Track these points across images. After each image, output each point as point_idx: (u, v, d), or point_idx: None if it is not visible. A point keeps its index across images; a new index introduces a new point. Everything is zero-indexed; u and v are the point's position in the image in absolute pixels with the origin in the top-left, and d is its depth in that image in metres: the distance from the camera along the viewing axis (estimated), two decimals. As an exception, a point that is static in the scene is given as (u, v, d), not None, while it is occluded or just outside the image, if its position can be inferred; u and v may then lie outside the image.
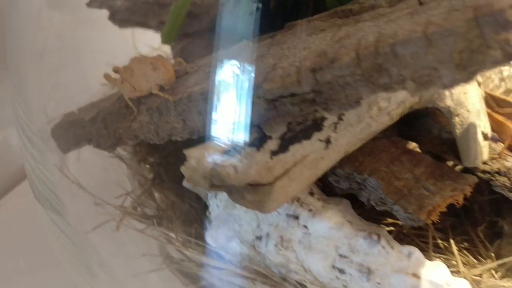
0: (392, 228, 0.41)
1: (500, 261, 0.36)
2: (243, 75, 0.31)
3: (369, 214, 0.38)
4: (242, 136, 0.30)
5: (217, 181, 0.28)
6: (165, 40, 0.49)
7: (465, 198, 0.41)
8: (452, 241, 0.38)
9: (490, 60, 0.23)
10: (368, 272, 0.34)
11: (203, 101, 0.32)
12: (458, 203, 0.34)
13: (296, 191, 0.32)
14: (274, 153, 0.30)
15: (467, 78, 0.24)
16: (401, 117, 0.39)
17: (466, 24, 0.23)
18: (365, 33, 0.27)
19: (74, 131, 0.43)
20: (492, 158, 0.37)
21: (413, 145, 0.39)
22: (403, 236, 0.40)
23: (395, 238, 0.39)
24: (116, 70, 0.38)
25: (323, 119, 0.32)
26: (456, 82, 0.24)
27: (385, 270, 0.34)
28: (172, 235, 0.40)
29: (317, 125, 0.32)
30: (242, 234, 0.37)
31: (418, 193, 0.34)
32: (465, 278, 0.36)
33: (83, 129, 0.42)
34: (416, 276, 0.33)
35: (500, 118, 0.39)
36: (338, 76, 0.27)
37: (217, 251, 0.38)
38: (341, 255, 0.35)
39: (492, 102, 0.40)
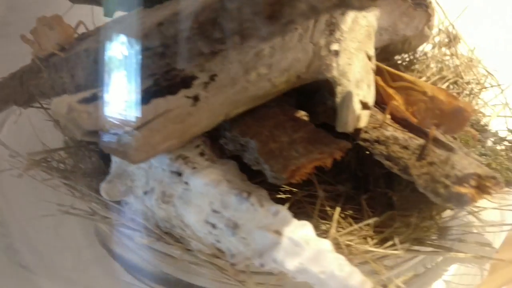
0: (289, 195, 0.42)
1: (360, 224, 0.37)
2: (121, 39, 0.33)
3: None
4: (109, 88, 0.33)
5: (73, 125, 0.31)
6: (106, 13, 0.51)
7: (362, 170, 0.43)
8: (338, 209, 0.39)
9: (298, 13, 0.25)
10: (234, 227, 0.36)
11: (86, 58, 0.35)
12: (326, 166, 0.36)
13: (165, 144, 0.34)
14: (143, 101, 0.32)
15: (281, 30, 0.26)
16: (300, 88, 0.41)
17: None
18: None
19: (3, 91, 0.46)
20: (373, 127, 0.38)
21: (301, 113, 0.40)
22: (297, 203, 0.42)
23: (291, 205, 0.41)
24: (31, 32, 0.41)
25: (193, 78, 0.34)
26: (272, 35, 0.26)
27: (250, 226, 0.35)
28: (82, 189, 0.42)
29: (186, 83, 0.34)
30: (134, 189, 0.40)
31: (288, 154, 0.36)
32: (338, 242, 0.37)
33: (8, 88, 0.45)
34: (278, 233, 0.35)
35: (390, 91, 0.40)
36: (179, 30, 0.29)
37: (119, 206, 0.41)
38: (214, 210, 0.36)
39: (388, 77, 0.41)
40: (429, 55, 0.60)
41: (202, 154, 0.39)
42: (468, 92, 0.54)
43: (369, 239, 0.38)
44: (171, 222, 0.39)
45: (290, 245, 0.34)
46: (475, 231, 0.42)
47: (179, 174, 0.38)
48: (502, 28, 0.63)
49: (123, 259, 0.45)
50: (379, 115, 0.39)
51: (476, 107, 0.53)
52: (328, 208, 0.40)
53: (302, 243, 0.34)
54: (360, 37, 0.39)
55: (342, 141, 0.36)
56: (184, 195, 0.37)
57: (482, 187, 0.34)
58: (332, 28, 0.39)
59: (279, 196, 0.42)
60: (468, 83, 0.55)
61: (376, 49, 0.47)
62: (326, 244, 0.34)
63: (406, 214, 0.39)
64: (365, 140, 0.38)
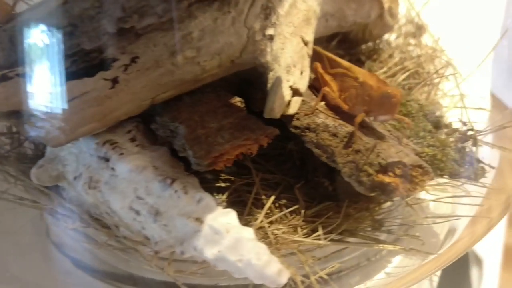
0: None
1: (285, 211, 0.36)
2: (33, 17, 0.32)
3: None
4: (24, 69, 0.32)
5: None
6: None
7: (302, 159, 0.42)
8: (271, 198, 0.38)
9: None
10: (156, 213, 0.35)
11: (5, 38, 0.34)
12: (251, 153, 0.35)
13: (85, 127, 0.34)
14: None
15: (178, 8, 0.25)
16: (243, 74, 0.40)
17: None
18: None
19: None
20: (305, 114, 0.37)
21: (236, 100, 0.39)
22: (234, 192, 0.41)
23: (232, 194, 0.40)
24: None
25: (114, 60, 0.33)
26: (168, 12, 0.25)
27: (172, 213, 0.35)
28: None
29: (105, 65, 0.33)
30: (66, 175, 0.39)
31: (213, 140, 0.35)
32: (266, 231, 0.36)
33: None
34: (199, 220, 0.34)
35: (327, 77, 0.39)
36: (83, 8, 0.28)
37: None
38: (138, 197, 0.36)
39: (327, 63, 0.40)
40: (393, 45, 0.59)
41: (133, 139, 0.38)
42: (428, 82, 0.53)
43: (299, 229, 0.37)
44: (99, 208, 0.38)
45: (210, 233, 0.33)
46: (422, 223, 0.41)
47: (107, 159, 0.37)
48: (470, 19, 0.62)
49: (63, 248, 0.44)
50: (313, 102, 0.38)
51: (435, 98, 0.52)
52: (263, 197, 0.39)
53: (222, 231, 0.33)
54: (297, 21, 0.38)
55: (270, 128, 0.35)
56: (110, 181, 0.37)
57: (409, 177, 0.33)
58: (268, 12, 0.38)
59: (218, 184, 0.41)
60: (428, 73, 0.54)
61: (325, 36, 0.46)
62: (247, 233, 0.34)
63: (343, 205, 0.38)
64: (296, 127, 0.37)
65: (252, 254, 0.32)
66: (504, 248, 0.79)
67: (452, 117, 0.50)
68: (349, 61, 0.56)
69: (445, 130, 0.46)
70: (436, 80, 0.53)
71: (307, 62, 0.38)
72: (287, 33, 0.38)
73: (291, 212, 0.38)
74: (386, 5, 0.57)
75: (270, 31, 0.38)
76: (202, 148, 0.34)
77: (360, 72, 0.36)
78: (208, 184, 0.41)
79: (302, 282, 0.33)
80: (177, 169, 0.37)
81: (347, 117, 0.37)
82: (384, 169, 0.32)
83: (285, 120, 0.37)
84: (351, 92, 0.36)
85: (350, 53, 0.57)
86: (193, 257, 0.35)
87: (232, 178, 0.41)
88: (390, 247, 0.35)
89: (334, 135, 0.35)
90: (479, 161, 0.43)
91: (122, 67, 0.33)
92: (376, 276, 0.42)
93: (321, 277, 0.34)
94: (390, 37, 0.60)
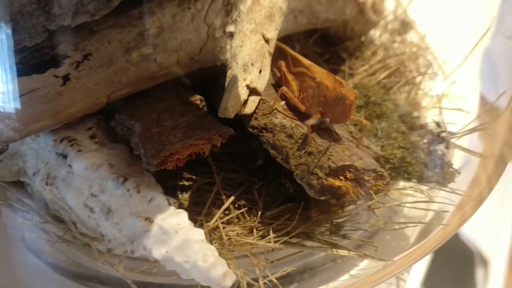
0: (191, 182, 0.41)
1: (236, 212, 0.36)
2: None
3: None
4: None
5: None
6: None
7: (265, 159, 0.41)
8: (231, 198, 0.38)
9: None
10: (108, 211, 0.35)
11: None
12: (203, 152, 0.34)
13: (37, 124, 0.33)
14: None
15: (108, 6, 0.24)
16: (208, 71, 0.40)
17: None
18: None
19: None
20: (263, 114, 0.36)
21: (196, 98, 0.39)
22: (196, 191, 0.40)
23: (193, 193, 0.40)
24: None
25: (65, 56, 0.33)
26: (99, 11, 0.25)
27: (124, 211, 0.34)
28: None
29: (56, 62, 0.33)
30: (26, 170, 0.39)
31: (165, 139, 0.34)
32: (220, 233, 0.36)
33: None
34: (149, 220, 0.33)
35: (289, 76, 0.38)
36: (22, 4, 0.28)
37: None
38: (92, 194, 0.35)
39: (291, 61, 0.39)
40: (378, 42, 0.58)
41: (92, 136, 0.38)
42: (409, 82, 0.52)
43: (255, 231, 0.36)
44: (58, 204, 0.38)
45: (159, 233, 0.33)
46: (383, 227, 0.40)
47: (65, 156, 0.37)
48: (462, 15, 0.60)
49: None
50: (272, 102, 0.37)
51: (415, 98, 0.51)
52: (223, 197, 0.39)
53: (171, 232, 0.33)
54: (259, 18, 0.38)
55: (225, 128, 0.35)
56: (67, 177, 0.37)
57: (361, 181, 0.32)
58: (229, 8, 0.37)
59: (182, 183, 0.41)
60: (410, 71, 0.53)
61: (302, 32, 0.45)
62: (197, 234, 0.33)
63: (304, 207, 0.38)
64: (253, 127, 0.36)
65: (199, 256, 0.32)
66: (510, 249, 0.77)
67: (431, 117, 0.49)
68: (329, 58, 0.55)
69: (419, 131, 0.45)
70: (418, 79, 0.52)
71: (267, 60, 0.37)
72: (248, 30, 0.37)
73: (249, 213, 0.37)
74: (370, 1, 0.56)
75: (230, 28, 0.37)
76: (153, 147, 0.34)
77: (318, 72, 0.36)
78: (172, 182, 0.41)
79: (252, 285, 0.33)
80: (134, 167, 0.37)
81: (306, 117, 0.36)
82: (334, 172, 0.31)
83: (244, 120, 0.36)
84: (309, 92, 0.35)
85: (330, 50, 0.55)
86: (144, 256, 0.34)
87: (195, 177, 0.41)
88: (344, 252, 0.35)
89: (290, 136, 0.35)
90: (449, 165, 0.42)
91: (74, 64, 0.33)
92: (341, 277, 0.41)
93: (273, 280, 0.33)
94: (375, 34, 0.59)
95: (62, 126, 0.37)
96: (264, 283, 0.33)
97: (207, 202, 0.38)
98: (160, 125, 0.36)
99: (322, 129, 0.35)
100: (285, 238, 0.34)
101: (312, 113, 0.34)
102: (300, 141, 0.34)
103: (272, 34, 0.38)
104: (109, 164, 0.36)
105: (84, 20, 0.29)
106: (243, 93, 0.35)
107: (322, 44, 0.56)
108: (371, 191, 0.32)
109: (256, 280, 0.33)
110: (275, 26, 0.39)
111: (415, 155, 0.42)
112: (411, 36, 0.58)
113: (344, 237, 0.35)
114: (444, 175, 0.40)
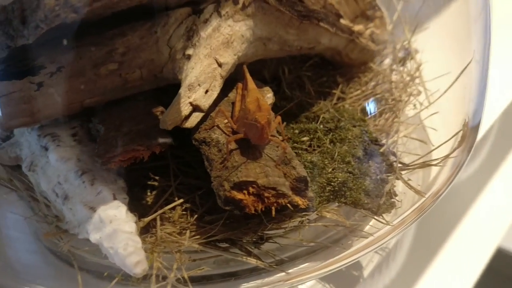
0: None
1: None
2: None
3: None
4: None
5: None
6: None
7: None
8: (179, 200, 0.43)
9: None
10: (65, 198, 0.41)
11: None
12: (143, 157, 0.40)
13: (16, 120, 0.41)
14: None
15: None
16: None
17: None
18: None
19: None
20: (205, 129, 0.41)
21: (160, 109, 0.44)
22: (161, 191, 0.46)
23: (157, 193, 0.46)
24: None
25: (42, 67, 0.40)
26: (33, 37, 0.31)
27: (76, 199, 0.41)
28: None
29: (33, 71, 0.40)
30: (21, 158, 0.47)
31: (115, 143, 0.40)
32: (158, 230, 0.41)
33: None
34: (93, 209, 0.40)
35: (238, 97, 0.42)
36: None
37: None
38: (58, 182, 0.42)
39: (245, 83, 0.43)
40: (378, 69, 0.59)
41: (74, 135, 0.45)
42: (391, 109, 0.53)
43: (188, 232, 0.41)
44: (39, 189, 0.45)
45: (97, 221, 0.39)
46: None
47: (46, 149, 0.44)
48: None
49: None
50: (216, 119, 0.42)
51: (392, 125, 0.52)
52: (176, 199, 0.44)
53: (106, 221, 0.39)
54: (215, 44, 0.42)
55: (167, 139, 0.40)
56: (44, 166, 0.44)
57: (262, 197, 0.35)
58: (191, 33, 0.43)
59: (150, 183, 0.47)
60: (393, 99, 0.54)
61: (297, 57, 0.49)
62: (128, 226, 0.39)
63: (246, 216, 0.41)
64: (195, 139, 0.41)
65: (121, 244, 0.37)
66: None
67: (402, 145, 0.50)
68: (324, 81, 0.58)
69: (375, 159, 0.47)
70: (398, 107, 0.53)
71: (217, 82, 0.42)
72: (202, 54, 0.42)
73: (188, 215, 0.42)
74: (367, 31, 0.58)
75: (189, 51, 0.42)
76: (104, 148, 0.40)
77: (251, 96, 0.39)
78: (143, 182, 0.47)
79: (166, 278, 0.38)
80: (96, 163, 0.43)
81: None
82: (237, 186, 0.35)
83: (190, 133, 0.41)
84: (240, 114, 0.39)
85: (329, 73, 0.58)
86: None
87: (157, 178, 0.46)
88: (253, 260, 0.38)
89: (220, 150, 0.39)
90: (391, 195, 0.43)
91: (48, 74, 0.40)
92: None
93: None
94: (382, 61, 0.60)
95: (49, 124, 0.45)
96: (178, 279, 0.38)
97: (158, 202, 0.44)
98: (118, 130, 0.42)
99: (250, 147, 0.39)
100: (204, 240, 0.39)
101: (240, 132, 0.39)
102: (224, 156, 0.38)
103: (228, 59, 0.43)
104: (78, 159, 0.43)
105: (24, 42, 0.36)
106: (185, 109, 0.40)
107: (324, 67, 0.59)
108: (272, 208, 0.36)
109: (182, 277, 0.38)
110: (233, 52, 0.43)
111: (359, 181, 0.44)
112: (410, 65, 0.59)
113: (255, 246, 0.39)
114: (380, 205, 0.42)
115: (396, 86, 0.55)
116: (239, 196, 0.35)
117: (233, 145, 0.39)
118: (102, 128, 0.42)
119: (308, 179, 0.39)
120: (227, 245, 0.40)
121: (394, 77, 0.58)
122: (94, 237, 0.39)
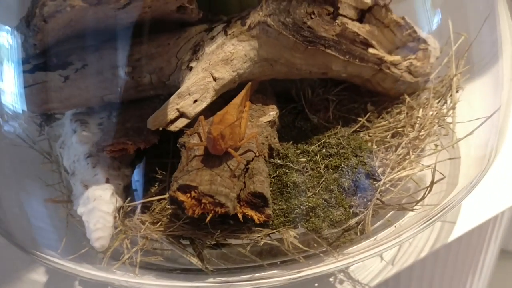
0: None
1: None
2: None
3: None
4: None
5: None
6: None
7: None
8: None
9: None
10: (72, 174, 0.49)
11: None
12: (129, 151, 0.45)
13: (48, 105, 0.50)
14: (28, 71, 0.48)
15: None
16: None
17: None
18: None
19: None
20: (189, 134, 0.45)
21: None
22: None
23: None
24: None
25: (71, 63, 0.48)
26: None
27: (78, 177, 0.48)
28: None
29: (64, 66, 0.48)
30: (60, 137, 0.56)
31: (113, 135, 0.47)
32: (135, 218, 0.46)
33: None
34: (86, 187, 0.47)
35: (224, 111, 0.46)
36: (22, 32, 0.44)
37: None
38: (73, 161, 0.50)
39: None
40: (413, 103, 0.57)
41: (100, 124, 0.53)
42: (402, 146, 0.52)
43: (159, 224, 0.46)
44: (62, 163, 0.54)
45: (86, 197, 0.46)
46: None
47: (74, 131, 0.53)
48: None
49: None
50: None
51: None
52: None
53: (91, 199, 0.45)
54: (214, 59, 0.46)
55: (152, 136, 0.45)
56: (70, 146, 0.52)
57: (202, 203, 0.39)
58: (197, 48, 0.47)
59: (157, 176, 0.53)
60: (407, 135, 0.52)
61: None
62: (106, 207, 0.45)
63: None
64: (178, 142, 0.45)
65: (94, 220, 0.44)
66: None
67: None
68: (353, 108, 0.58)
69: (361, 193, 0.47)
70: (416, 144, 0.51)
71: (209, 94, 0.46)
72: (201, 67, 0.46)
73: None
74: (405, 63, 0.57)
75: (192, 64, 0.47)
76: (103, 138, 0.47)
77: (225, 109, 0.43)
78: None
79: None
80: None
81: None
82: (182, 188, 0.39)
83: (175, 135, 0.46)
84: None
85: (360, 100, 0.58)
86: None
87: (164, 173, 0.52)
88: (193, 260, 0.41)
89: (190, 155, 0.43)
90: (356, 231, 0.43)
91: (74, 69, 0.48)
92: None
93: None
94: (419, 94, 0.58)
95: (83, 111, 0.53)
96: (131, 262, 0.42)
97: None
98: (123, 125, 0.48)
99: (213, 156, 0.42)
100: (171, 233, 0.43)
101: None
102: (190, 158, 0.42)
103: (224, 74, 0.46)
104: (92, 144, 0.50)
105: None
106: (172, 114, 0.45)
107: (360, 93, 0.59)
108: (210, 214, 0.38)
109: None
110: (232, 68, 0.47)
111: (329, 210, 0.44)
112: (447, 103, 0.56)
113: (202, 250, 0.42)
114: (338, 237, 0.42)
115: (422, 123, 0.53)
116: (181, 197, 0.39)
117: (201, 151, 0.42)
118: (114, 122, 0.49)
119: (268, 196, 0.41)
120: (187, 243, 0.44)
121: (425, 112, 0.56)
122: (79, 210, 0.46)
